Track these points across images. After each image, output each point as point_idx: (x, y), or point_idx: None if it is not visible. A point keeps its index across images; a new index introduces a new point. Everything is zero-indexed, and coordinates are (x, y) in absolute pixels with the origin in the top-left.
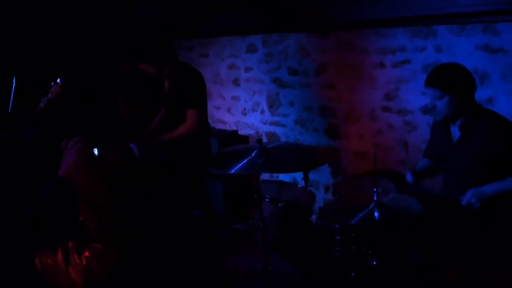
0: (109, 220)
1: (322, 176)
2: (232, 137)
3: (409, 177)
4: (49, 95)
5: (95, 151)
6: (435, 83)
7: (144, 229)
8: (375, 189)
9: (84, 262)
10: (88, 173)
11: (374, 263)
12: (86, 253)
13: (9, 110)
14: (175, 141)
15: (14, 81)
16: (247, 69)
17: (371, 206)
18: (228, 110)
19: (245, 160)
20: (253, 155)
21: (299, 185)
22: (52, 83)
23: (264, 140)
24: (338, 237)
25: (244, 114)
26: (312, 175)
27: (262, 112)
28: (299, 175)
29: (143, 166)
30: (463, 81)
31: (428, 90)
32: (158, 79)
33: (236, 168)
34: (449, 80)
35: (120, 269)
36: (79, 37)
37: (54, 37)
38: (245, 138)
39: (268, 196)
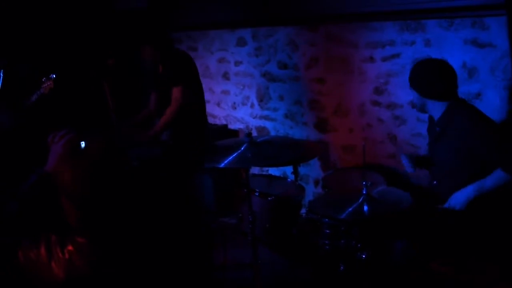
0: (91, 213)
1: (311, 170)
2: (222, 131)
3: (405, 161)
4: (42, 90)
5: (82, 144)
6: (413, 85)
7: (127, 223)
8: (364, 183)
9: (67, 256)
10: (71, 166)
11: (363, 256)
12: (69, 247)
13: None
14: (167, 126)
15: (1, 73)
16: (237, 63)
17: (360, 200)
18: (218, 104)
19: (235, 154)
20: (242, 149)
21: (289, 179)
22: (44, 78)
23: (254, 134)
24: (327, 231)
25: (234, 108)
26: (301, 169)
27: (252, 106)
28: (289, 169)
29: (127, 160)
30: (440, 82)
31: (411, 91)
32: (153, 63)
33: (226, 162)
34: (424, 84)
35: (102, 263)
36: (65, 30)
37: (40, 31)
38: (235, 132)
39: (258, 190)
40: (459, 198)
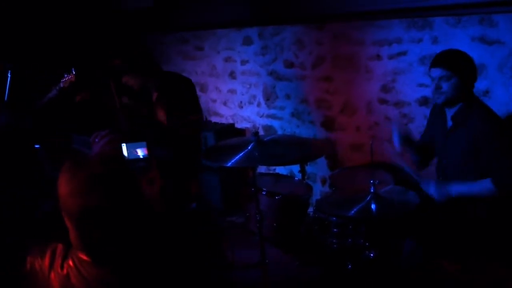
0: (86, 231)
1: (319, 168)
2: (229, 130)
3: (395, 134)
4: (61, 85)
5: (123, 147)
6: (444, 63)
7: (129, 242)
8: (371, 181)
9: (65, 271)
10: (68, 176)
11: (371, 255)
12: (70, 262)
13: (5, 99)
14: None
15: (9, 74)
16: (243, 62)
17: (368, 198)
18: (225, 103)
19: (242, 153)
20: (249, 148)
21: (296, 178)
22: (65, 73)
23: (261, 133)
24: (335, 230)
25: (241, 107)
26: (309, 168)
27: (259, 105)
28: (296, 168)
29: (134, 178)
30: (471, 67)
31: (435, 70)
32: (143, 92)
33: (233, 161)
34: (460, 63)
35: (99, 285)
36: (72, 29)
37: (47, 31)
38: (241, 131)
39: (265, 189)
40: (441, 191)
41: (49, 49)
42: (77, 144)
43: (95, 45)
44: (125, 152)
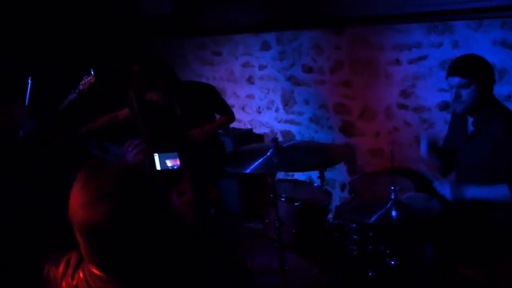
0: (94, 245)
1: (338, 174)
2: (247, 135)
3: (423, 142)
4: (81, 87)
5: (156, 157)
6: (461, 71)
7: (142, 257)
8: (392, 188)
9: (75, 282)
10: (78, 187)
11: (392, 262)
12: (80, 273)
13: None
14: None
15: (29, 81)
16: (261, 67)
17: (388, 205)
18: (243, 109)
19: (261, 160)
20: (268, 154)
21: (315, 184)
22: (85, 75)
23: (279, 138)
24: (355, 236)
25: (259, 112)
26: (328, 173)
27: (277, 110)
28: (315, 174)
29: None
30: (488, 71)
31: (453, 79)
32: (167, 106)
33: (252, 167)
34: (477, 68)
35: None
36: (90, 35)
37: (66, 35)
38: (260, 137)
39: (284, 195)
40: (455, 192)
41: (67, 53)
42: (95, 149)
43: (113, 49)
44: (157, 163)
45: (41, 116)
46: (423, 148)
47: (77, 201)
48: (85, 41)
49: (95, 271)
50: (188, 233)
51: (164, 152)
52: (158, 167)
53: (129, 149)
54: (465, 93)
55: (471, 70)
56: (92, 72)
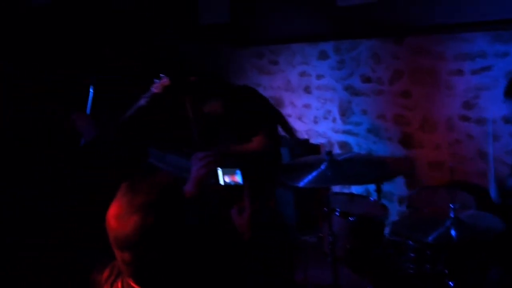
0: (125, 259)
1: (396, 187)
2: (304, 145)
3: (493, 193)
4: (153, 90)
5: (219, 172)
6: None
7: (180, 274)
8: (451, 205)
9: None
10: (116, 200)
11: (451, 284)
12: (119, 283)
13: (88, 112)
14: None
15: (91, 89)
16: (319, 77)
17: (447, 224)
18: (299, 118)
19: (315, 173)
20: (322, 167)
21: (371, 198)
22: (155, 79)
23: (336, 149)
24: (412, 254)
25: (316, 122)
26: (385, 187)
27: (334, 120)
28: (372, 186)
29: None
30: None
31: (507, 102)
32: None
33: (305, 181)
34: None
35: None
36: (149, 46)
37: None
38: (316, 147)
39: (338, 210)
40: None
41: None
42: (153, 159)
43: (172, 61)
44: (220, 177)
45: (104, 124)
46: (492, 189)
47: (112, 212)
48: (147, 49)
49: (132, 283)
50: (242, 249)
51: (228, 167)
52: (222, 182)
53: (194, 161)
54: None
55: None
56: (163, 76)
